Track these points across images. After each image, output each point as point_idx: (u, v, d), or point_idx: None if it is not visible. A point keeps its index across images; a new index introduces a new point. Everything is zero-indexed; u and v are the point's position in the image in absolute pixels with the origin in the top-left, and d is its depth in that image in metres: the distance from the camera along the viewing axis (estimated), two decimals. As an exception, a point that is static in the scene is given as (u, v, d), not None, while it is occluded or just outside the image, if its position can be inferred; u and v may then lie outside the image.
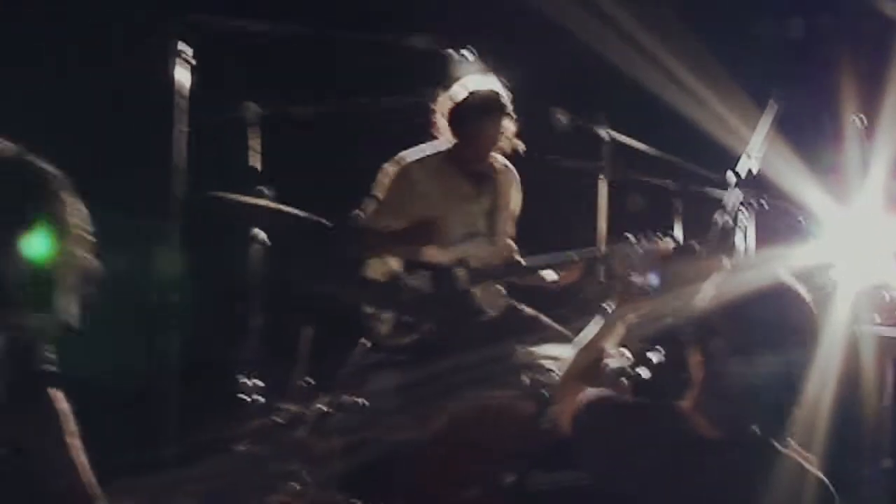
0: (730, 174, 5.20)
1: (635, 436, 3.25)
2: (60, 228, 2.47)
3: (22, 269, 2.40)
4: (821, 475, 3.12)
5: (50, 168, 2.52)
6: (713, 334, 3.09)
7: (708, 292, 3.24)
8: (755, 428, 3.07)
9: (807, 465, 3.14)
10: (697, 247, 5.18)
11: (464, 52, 5.41)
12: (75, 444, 2.70)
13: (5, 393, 2.51)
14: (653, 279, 4.59)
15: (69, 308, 2.39)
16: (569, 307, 5.45)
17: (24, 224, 2.38)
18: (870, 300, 5.19)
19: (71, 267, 2.41)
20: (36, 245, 2.38)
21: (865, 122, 5.42)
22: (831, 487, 3.12)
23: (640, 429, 3.27)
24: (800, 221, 5.35)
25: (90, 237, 2.43)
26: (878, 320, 5.22)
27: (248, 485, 5.12)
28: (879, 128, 5.34)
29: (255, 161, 5.49)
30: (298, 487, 5.05)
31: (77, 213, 2.42)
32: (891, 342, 5.18)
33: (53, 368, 2.67)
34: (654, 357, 4.38)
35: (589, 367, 3.68)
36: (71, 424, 2.65)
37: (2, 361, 2.61)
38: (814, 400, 3.16)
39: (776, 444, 3.09)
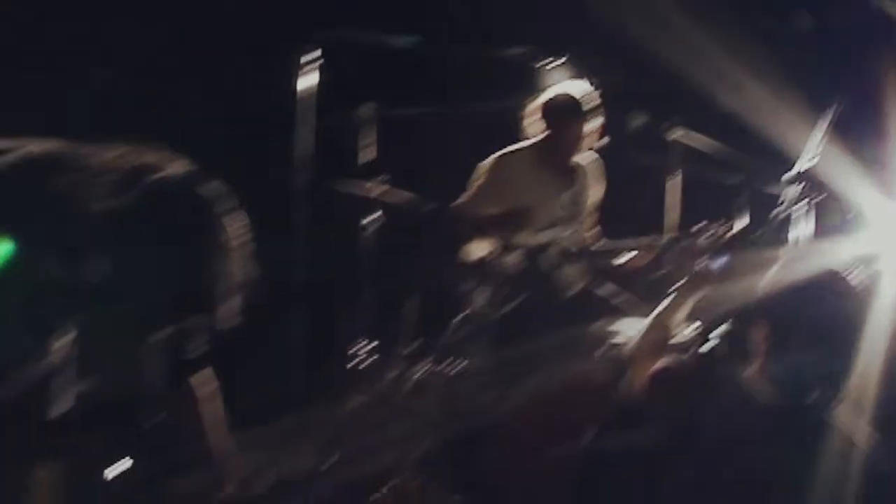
0: (788, 171, 5.29)
1: (701, 401, 3.57)
2: (228, 241, 2.78)
3: (207, 277, 2.74)
4: (866, 444, 3.39)
5: (215, 184, 2.82)
6: (773, 314, 3.47)
7: (769, 277, 3.63)
8: (809, 399, 3.43)
9: (854, 435, 3.40)
10: (757, 237, 5.25)
11: (556, 60, 5.75)
12: (220, 415, 3.07)
13: (167, 376, 2.83)
14: (717, 264, 4.87)
15: (232, 308, 2.73)
16: (641, 288, 5.64)
17: (205, 238, 2.71)
18: None
19: (236, 273, 2.72)
20: (207, 256, 2.71)
21: None
22: (875, 455, 3.39)
23: (707, 394, 3.61)
24: (850, 215, 5.44)
25: (249, 245, 2.74)
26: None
27: (359, 439, 5.34)
28: None
29: (370, 156, 5.88)
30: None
31: (240, 223, 2.75)
32: None
33: (205, 354, 2.97)
34: (718, 333, 4.47)
35: (659, 340, 4.02)
36: (218, 401, 3.05)
37: (162, 350, 2.87)
38: (862, 376, 3.47)
39: (827, 414, 3.39)
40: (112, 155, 2.68)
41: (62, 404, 2.76)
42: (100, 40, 5.87)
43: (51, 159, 2.73)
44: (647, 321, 4.23)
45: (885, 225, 5.25)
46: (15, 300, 2.70)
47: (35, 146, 2.74)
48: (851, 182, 5.42)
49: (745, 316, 3.80)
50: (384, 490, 4.03)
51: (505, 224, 5.68)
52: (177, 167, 2.79)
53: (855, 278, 3.71)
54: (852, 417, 3.52)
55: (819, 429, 3.38)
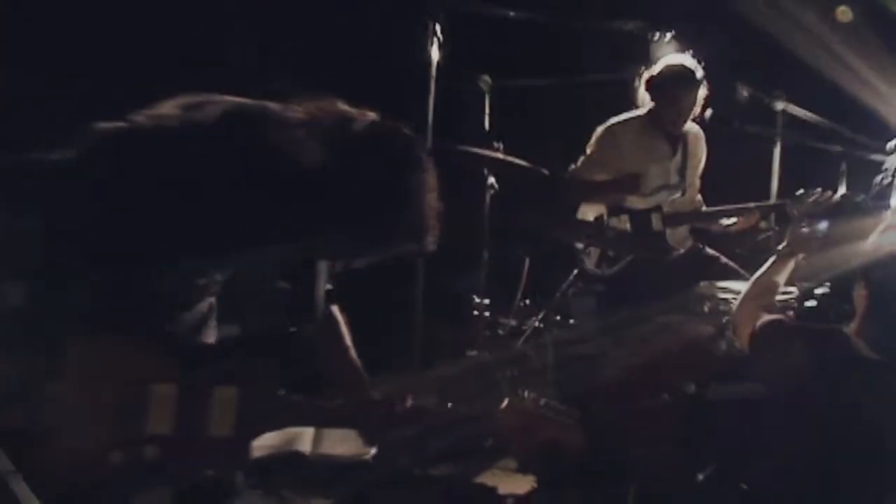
0: (891, 142, 5.37)
1: (804, 354, 3.44)
2: (427, 180, 2.92)
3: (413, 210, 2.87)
4: None
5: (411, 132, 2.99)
6: (873, 277, 3.42)
7: (872, 240, 3.60)
8: None
9: None
10: (860, 200, 5.27)
11: (665, 34, 5.76)
12: (349, 344, 3.30)
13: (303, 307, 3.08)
14: (821, 227, 4.68)
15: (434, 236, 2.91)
16: (744, 249, 5.82)
17: (406, 176, 2.84)
18: None
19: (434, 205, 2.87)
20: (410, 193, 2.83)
21: None
22: None
23: (809, 349, 3.45)
24: None
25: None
26: None
27: (477, 384, 5.44)
28: None
29: (489, 123, 5.93)
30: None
31: (431, 166, 2.89)
32: None
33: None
34: (821, 290, 4.63)
35: (763, 296, 3.94)
36: (346, 329, 3.30)
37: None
38: None
39: None
40: (311, 107, 2.83)
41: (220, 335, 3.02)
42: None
43: (253, 114, 2.88)
44: (751, 280, 4.15)
45: None
46: None
47: (230, 103, 2.85)
48: None
49: (847, 278, 3.73)
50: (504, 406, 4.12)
51: (617, 188, 5.82)
52: (370, 115, 2.93)
53: None
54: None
55: None
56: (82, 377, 2.72)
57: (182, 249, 2.68)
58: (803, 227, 4.73)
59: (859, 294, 3.44)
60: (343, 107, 2.87)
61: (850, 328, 3.46)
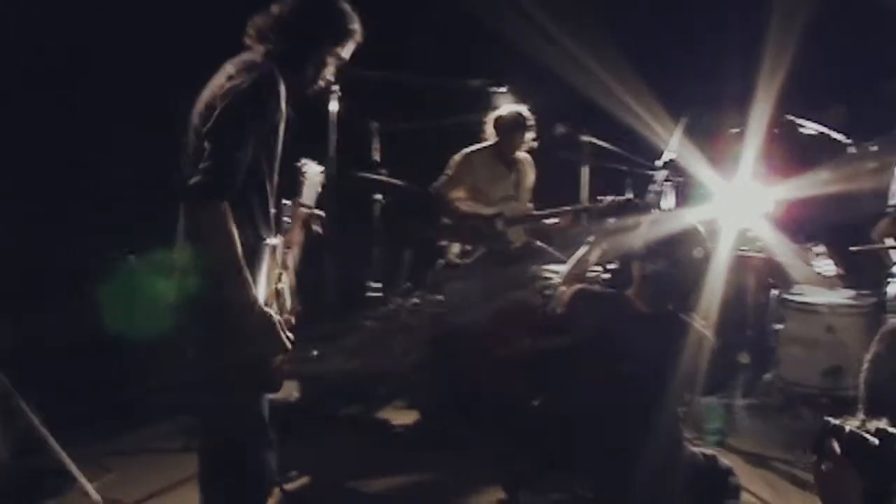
0: (658, 161, 5.94)
1: (603, 312, 3.93)
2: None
3: None
4: (711, 337, 3.82)
5: None
6: (647, 254, 3.87)
7: (646, 230, 3.99)
8: (670, 307, 3.84)
9: (703, 331, 3.81)
10: (640, 203, 5.80)
11: (503, 87, 6.46)
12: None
13: None
14: (614, 222, 5.43)
15: None
16: (565, 241, 6.19)
17: None
18: (742, 239, 6.04)
19: None
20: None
21: (740, 129, 6.17)
22: (713, 343, 3.81)
23: (606, 308, 3.96)
24: (699, 190, 6.06)
25: None
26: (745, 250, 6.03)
27: (375, 346, 6.11)
28: (750, 130, 6.02)
29: (377, 155, 6.52)
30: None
31: None
32: (752, 259, 6.08)
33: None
34: (614, 267, 5.23)
35: (579, 273, 4.40)
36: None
37: None
38: (709, 292, 3.97)
39: (684, 317, 3.81)
40: None
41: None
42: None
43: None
44: (570, 261, 4.46)
45: (720, 197, 5.85)
46: None
47: None
48: (699, 168, 5.98)
49: (631, 255, 4.00)
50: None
51: (471, 200, 6.29)
52: None
53: (705, 232, 3.94)
54: (701, 322, 3.88)
55: (678, 328, 3.77)
56: None
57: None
58: (604, 223, 5.43)
59: (636, 267, 3.90)
60: None
61: (631, 292, 3.93)
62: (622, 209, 5.75)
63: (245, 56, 3.25)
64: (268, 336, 3.06)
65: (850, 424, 2.30)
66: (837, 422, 2.33)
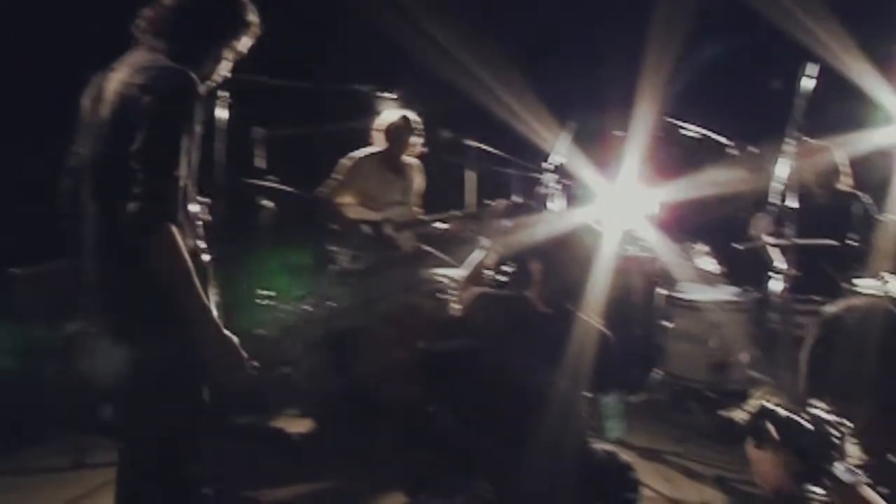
0: (546, 164, 5.95)
1: (502, 313, 3.92)
2: None
3: None
4: (607, 332, 3.86)
5: None
6: (543, 254, 3.90)
7: (538, 232, 4.04)
8: (569, 305, 3.83)
9: (603, 329, 3.86)
10: (529, 205, 5.94)
11: (392, 93, 6.45)
12: None
13: None
14: (506, 224, 5.54)
15: None
16: (454, 245, 6.34)
17: None
18: (628, 239, 6.30)
19: None
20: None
21: (624, 132, 6.23)
22: (612, 339, 3.83)
23: (505, 309, 3.97)
24: (586, 192, 6.18)
25: None
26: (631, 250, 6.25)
27: (267, 353, 5.91)
28: (633, 134, 6.08)
29: (262, 162, 6.44)
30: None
31: None
32: (638, 259, 6.31)
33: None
34: (510, 269, 5.02)
35: (475, 276, 4.44)
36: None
37: None
38: (597, 291, 3.85)
39: (583, 315, 3.82)
40: None
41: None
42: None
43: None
44: (466, 265, 4.50)
45: (606, 199, 5.96)
46: None
47: None
48: (586, 171, 6.09)
49: (527, 258, 4.02)
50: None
51: (358, 206, 6.29)
52: None
53: (592, 230, 3.99)
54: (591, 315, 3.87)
55: (574, 324, 3.78)
56: None
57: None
58: (496, 225, 5.51)
59: (535, 268, 3.90)
60: None
61: (531, 293, 3.94)
62: (510, 212, 5.88)
63: (146, 56, 3.16)
64: (230, 358, 3.03)
65: (786, 409, 2.44)
66: (773, 406, 2.47)
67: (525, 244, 4.17)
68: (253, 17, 3.32)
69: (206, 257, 3.14)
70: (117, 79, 3.12)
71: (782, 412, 2.47)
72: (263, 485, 5.02)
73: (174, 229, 2.92)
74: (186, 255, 2.94)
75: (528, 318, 3.85)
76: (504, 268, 5.07)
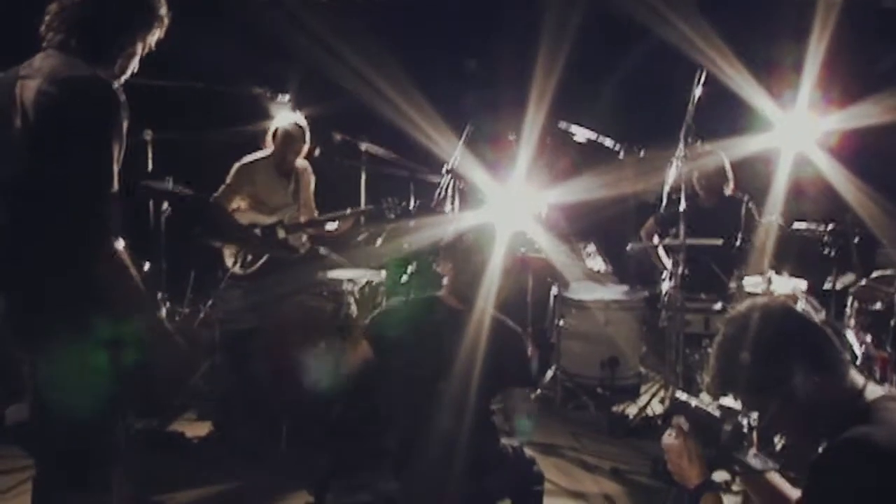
0: (444, 167, 6.19)
1: (411, 323, 3.90)
2: None
3: None
4: (514, 327, 3.92)
5: None
6: (454, 252, 3.91)
7: (451, 229, 4.20)
8: (481, 303, 3.82)
9: (514, 327, 3.93)
10: (429, 206, 6.08)
11: (284, 96, 6.38)
12: None
13: None
14: (409, 224, 5.65)
15: None
16: (348, 246, 6.52)
17: None
18: (521, 240, 6.26)
19: None
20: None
21: (516, 136, 6.48)
22: (519, 331, 3.91)
23: (418, 313, 3.95)
24: (479, 195, 6.24)
25: None
26: (522, 249, 6.27)
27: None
28: (524, 141, 6.36)
29: (149, 164, 6.39)
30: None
31: None
32: (530, 259, 6.35)
33: None
34: (410, 270, 4.72)
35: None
36: None
37: None
38: (491, 290, 3.86)
39: (495, 313, 3.86)
40: None
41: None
42: None
43: None
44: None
45: (498, 202, 6.00)
46: None
47: None
48: (479, 173, 6.20)
49: (432, 255, 4.21)
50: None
51: (249, 210, 6.39)
52: None
53: (490, 230, 4.01)
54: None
55: (495, 325, 3.82)
56: None
57: None
58: (393, 226, 5.61)
59: (445, 267, 3.92)
60: None
61: (442, 293, 3.95)
62: (410, 212, 6.00)
63: (60, 60, 3.10)
64: (175, 354, 3.14)
65: (696, 400, 2.67)
66: (685, 398, 2.71)
67: (426, 241, 4.41)
68: (164, 10, 3.29)
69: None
70: (32, 87, 3.04)
71: (694, 404, 2.70)
72: (163, 490, 5.00)
73: (119, 246, 2.97)
74: (134, 272, 2.99)
75: (439, 316, 3.86)
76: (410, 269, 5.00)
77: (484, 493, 3.74)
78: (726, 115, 6.58)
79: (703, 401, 2.73)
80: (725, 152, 6.40)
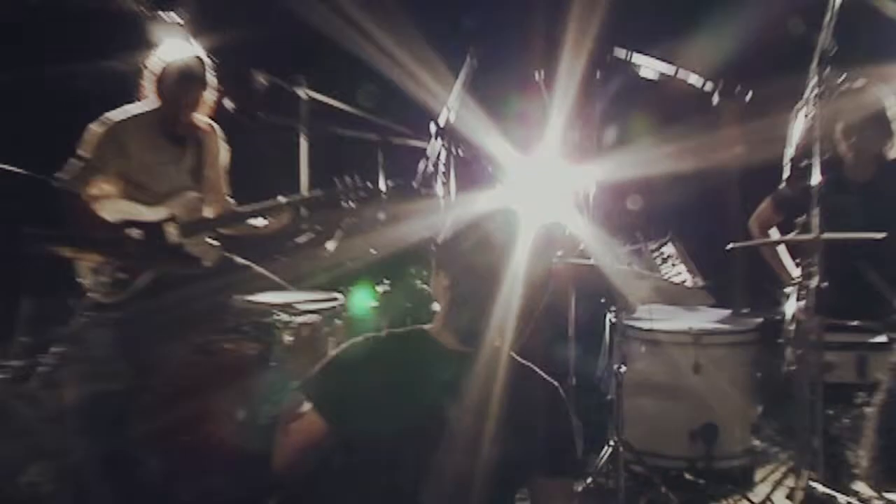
0: (431, 126, 5.32)
1: (390, 361, 3.17)
2: None
3: None
4: (548, 379, 3.20)
5: None
6: (454, 264, 3.08)
7: (445, 229, 3.25)
8: (488, 336, 3.10)
9: (533, 369, 3.21)
10: (409, 187, 5.29)
11: (170, 14, 5.43)
12: None
13: None
14: (379, 216, 5.10)
15: None
16: (283, 252, 5.59)
17: None
18: (550, 235, 5.34)
19: None
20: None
21: (544, 75, 5.56)
22: (555, 386, 3.19)
23: (394, 353, 3.20)
24: (489, 168, 5.51)
25: None
26: (559, 252, 5.36)
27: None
28: (559, 82, 5.49)
29: None
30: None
31: None
32: (571, 268, 5.30)
33: None
34: (382, 288, 4.95)
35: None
36: None
37: None
38: (526, 311, 3.17)
39: (520, 359, 3.17)
40: None
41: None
42: None
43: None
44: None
45: (520, 179, 5.38)
46: None
47: None
48: (491, 138, 5.45)
49: (416, 265, 3.94)
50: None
51: (123, 198, 5.21)
52: None
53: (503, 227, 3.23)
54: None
55: (500, 364, 3.09)
56: None
57: None
58: (351, 217, 5.00)
59: (439, 285, 3.11)
60: None
61: (434, 326, 3.17)
62: (366, 200, 5.26)
63: None
64: None
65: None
66: (826, 492, 3.20)
67: (415, 248, 4.22)
68: None
69: None
70: None
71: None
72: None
73: None
74: None
75: (428, 361, 3.11)
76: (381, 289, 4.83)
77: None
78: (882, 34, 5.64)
79: (859, 496, 2.66)
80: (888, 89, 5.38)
